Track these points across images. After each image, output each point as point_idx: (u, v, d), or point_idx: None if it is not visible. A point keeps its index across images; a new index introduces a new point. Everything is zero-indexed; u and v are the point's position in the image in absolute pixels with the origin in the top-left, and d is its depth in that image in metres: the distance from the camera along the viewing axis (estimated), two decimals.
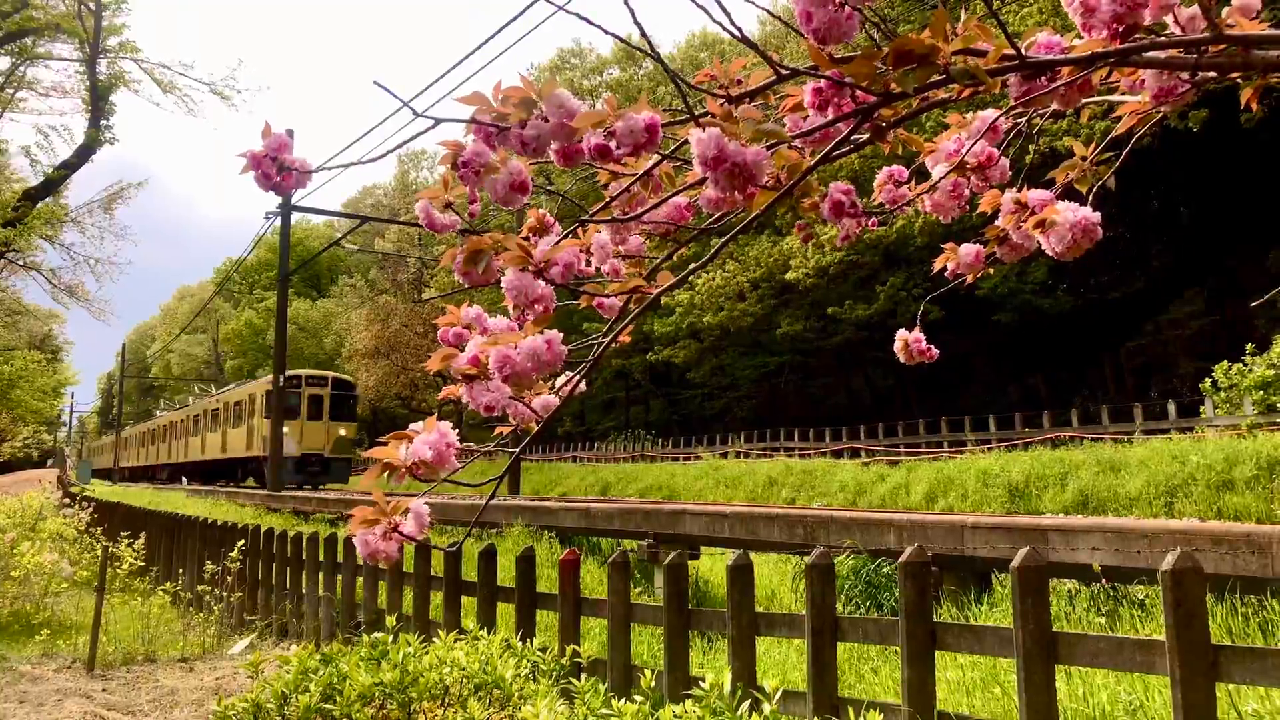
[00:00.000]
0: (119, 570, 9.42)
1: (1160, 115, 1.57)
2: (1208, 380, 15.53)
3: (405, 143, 1.61)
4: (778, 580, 10.12)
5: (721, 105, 1.30)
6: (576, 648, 4.07)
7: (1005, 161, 1.72)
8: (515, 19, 11.83)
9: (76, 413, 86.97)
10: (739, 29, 1.25)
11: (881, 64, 1.22)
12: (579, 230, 1.71)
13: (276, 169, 1.32)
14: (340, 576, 6.88)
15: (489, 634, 3.69)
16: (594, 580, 8.67)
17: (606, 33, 1.35)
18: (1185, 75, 1.38)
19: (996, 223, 1.74)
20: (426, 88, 12.19)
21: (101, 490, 29.51)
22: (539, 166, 1.41)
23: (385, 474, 1.34)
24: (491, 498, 1.64)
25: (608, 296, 1.72)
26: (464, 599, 5.42)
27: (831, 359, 35.14)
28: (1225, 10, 1.37)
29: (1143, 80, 1.44)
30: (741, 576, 3.79)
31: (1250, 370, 14.34)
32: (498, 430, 1.66)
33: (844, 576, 7.08)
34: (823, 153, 1.45)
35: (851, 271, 28.72)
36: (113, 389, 77.75)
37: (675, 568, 4.10)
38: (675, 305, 33.38)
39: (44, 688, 6.35)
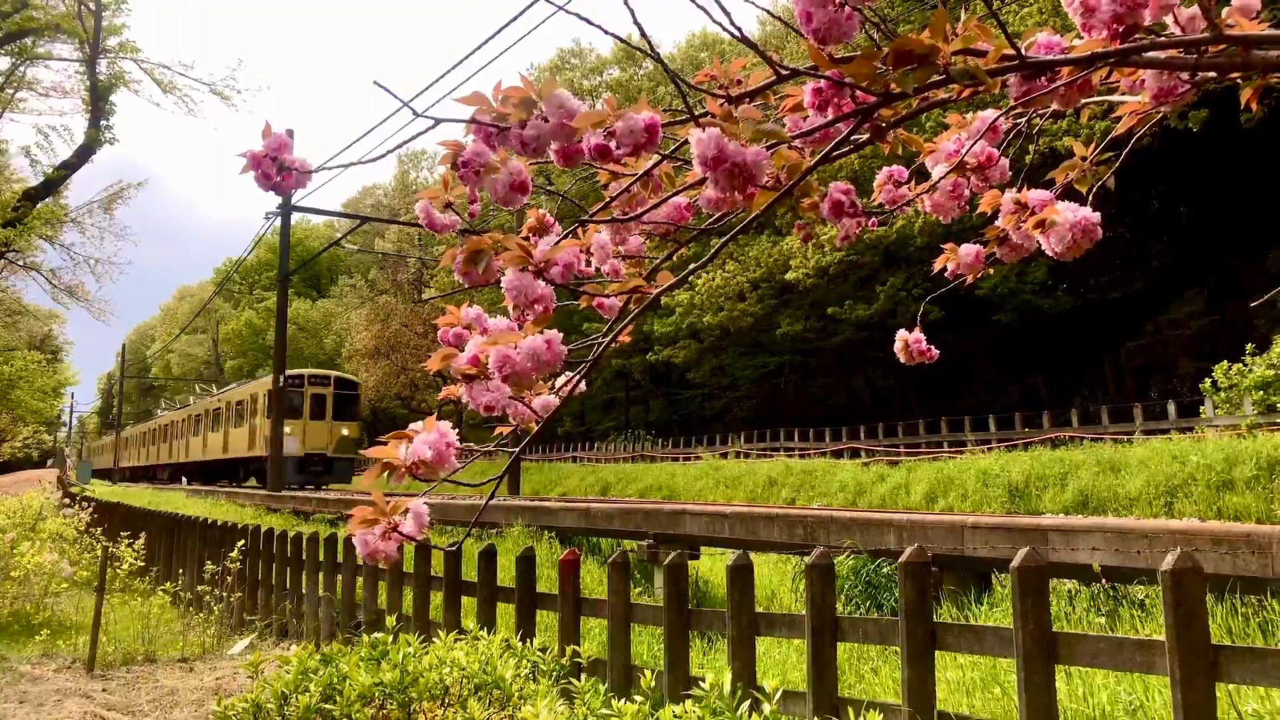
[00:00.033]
0: (119, 570, 9.42)
1: (1160, 115, 1.58)
2: (1208, 380, 15.53)
3: (405, 143, 1.61)
4: (778, 580, 10.12)
5: (721, 105, 1.30)
6: (576, 648, 4.07)
7: (1005, 162, 1.72)
8: (515, 19, 11.84)
9: (76, 413, 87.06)
10: (739, 29, 1.25)
11: (881, 64, 1.22)
12: (579, 230, 1.71)
13: (276, 169, 1.32)
14: (340, 576, 6.88)
15: (489, 634, 3.70)
16: (594, 580, 8.67)
17: (606, 33, 1.35)
18: (1185, 75, 1.38)
19: (996, 223, 1.74)
20: (426, 88, 12.20)
21: (101, 490, 29.51)
22: (539, 166, 1.41)
23: (385, 474, 1.34)
24: (491, 498, 1.64)
25: (608, 297, 1.72)
26: (464, 599, 5.42)
27: (831, 359, 35.13)
28: (1225, 10, 1.37)
29: (1143, 80, 1.44)
30: (741, 576, 3.79)
31: (1250, 370, 14.34)
32: (498, 430, 1.66)
33: (844, 576, 7.08)
34: (822, 153, 1.45)
35: (851, 271, 28.72)
36: (113, 389, 77.78)
37: (675, 568, 4.10)
38: (675, 305, 33.37)
39: (44, 688, 6.35)
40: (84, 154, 25.80)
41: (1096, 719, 3.85)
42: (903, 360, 2.01)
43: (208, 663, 7.20)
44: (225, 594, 8.08)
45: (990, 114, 1.71)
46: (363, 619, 6.40)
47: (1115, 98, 1.60)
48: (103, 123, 25.84)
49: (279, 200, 21.48)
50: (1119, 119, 1.61)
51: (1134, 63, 1.34)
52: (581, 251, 1.69)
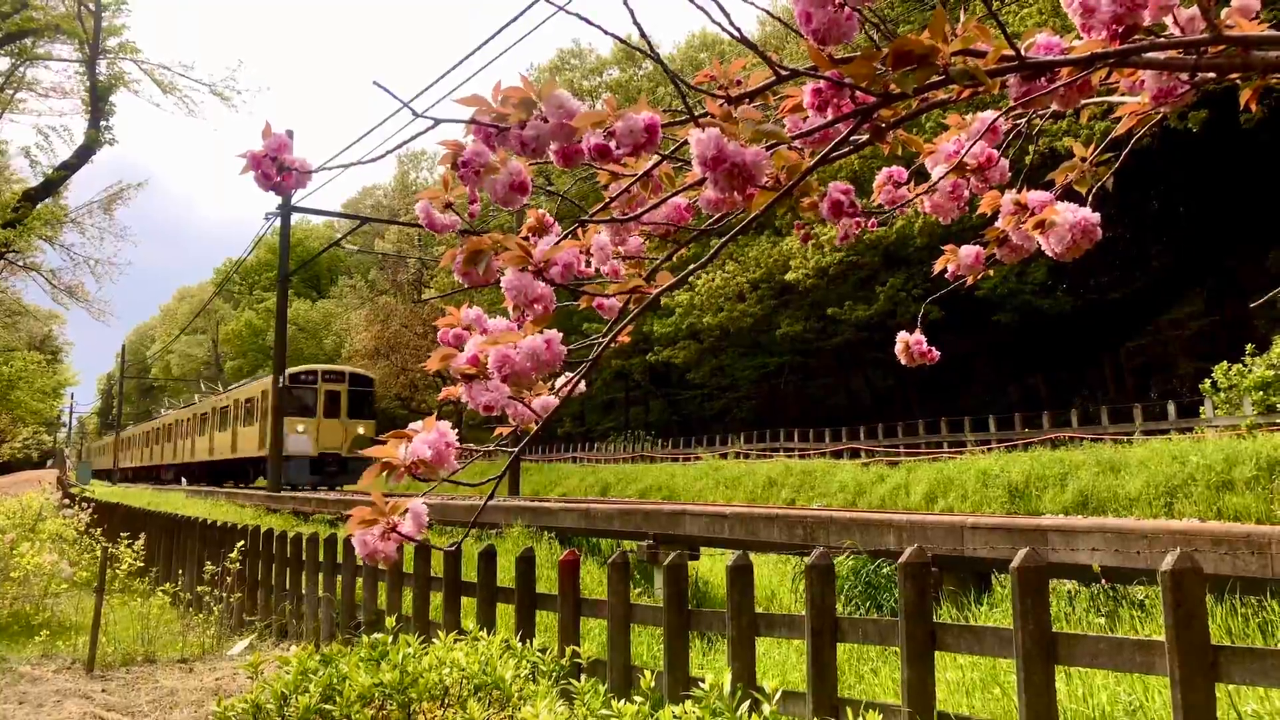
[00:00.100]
0: (118, 571, 9.41)
1: (1160, 116, 1.58)
2: (1207, 381, 15.53)
3: (405, 143, 1.61)
4: (777, 581, 10.12)
5: (721, 106, 1.30)
6: (576, 648, 4.07)
7: (1005, 162, 1.72)
8: (515, 19, 11.84)
9: (76, 413, 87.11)
10: (738, 30, 1.25)
11: (881, 65, 1.22)
12: (579, 231, 1.71)
13: (276, 169, 1.32)
14: (340, 577, 6.88)
15: (489, 635, 3.70)
16: (594, 581, 8.66)
17: (606, 33, 1.35)
18: (1185, 76, 1.38)
19: (996, 224, 1.75)
20: (426, 88, 12.20)
21: (101, 491, 29.48)
22: (539, 167, 1.41)
23: (384, 474, 1.34)
24: (491, 498, 1.64)
25: (607, 297, 1.72)
26: (464, 600, 5.42)
27: (831, 359, 35.14)
28: (1224, 11, 1.37)
29: (1142, 81, 1.44)
30: (741, 577, 3.79)
31: (1250, 371, 14.35)
32: (497, 431, 1.66)
33: (844, 577, 7.08)
34: (822, 153, 1.45)
35: (851, 272, 28.72)
36: (112, 390, 77.77)
37: (675, 568, 4.09)
38: (675, 306, 33.37)
39: (43, 688, 6.35)
40: (84, 154, 25.81)
41: (1096, 719, 3.85)
42: (903, 362, 2.01)
43: (207, 663, 7.20)
44: (225, 594, 8.08)
45: (990, 115, 1.71)
46: (362, 619, 6.40)
47: (1115, 98, 1.60)
48: (102, 123, 25.86)
49: (279, 201, 21.49)
50: (1119, 120, 1.61)
51: (1133, 63, 1.34)
52: (581, 252, 1.70)
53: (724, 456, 27.30)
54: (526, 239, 1.55)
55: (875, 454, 22.56)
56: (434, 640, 3.56)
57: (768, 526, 8.05)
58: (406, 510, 1.34)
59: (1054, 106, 1.41)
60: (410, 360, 40.53)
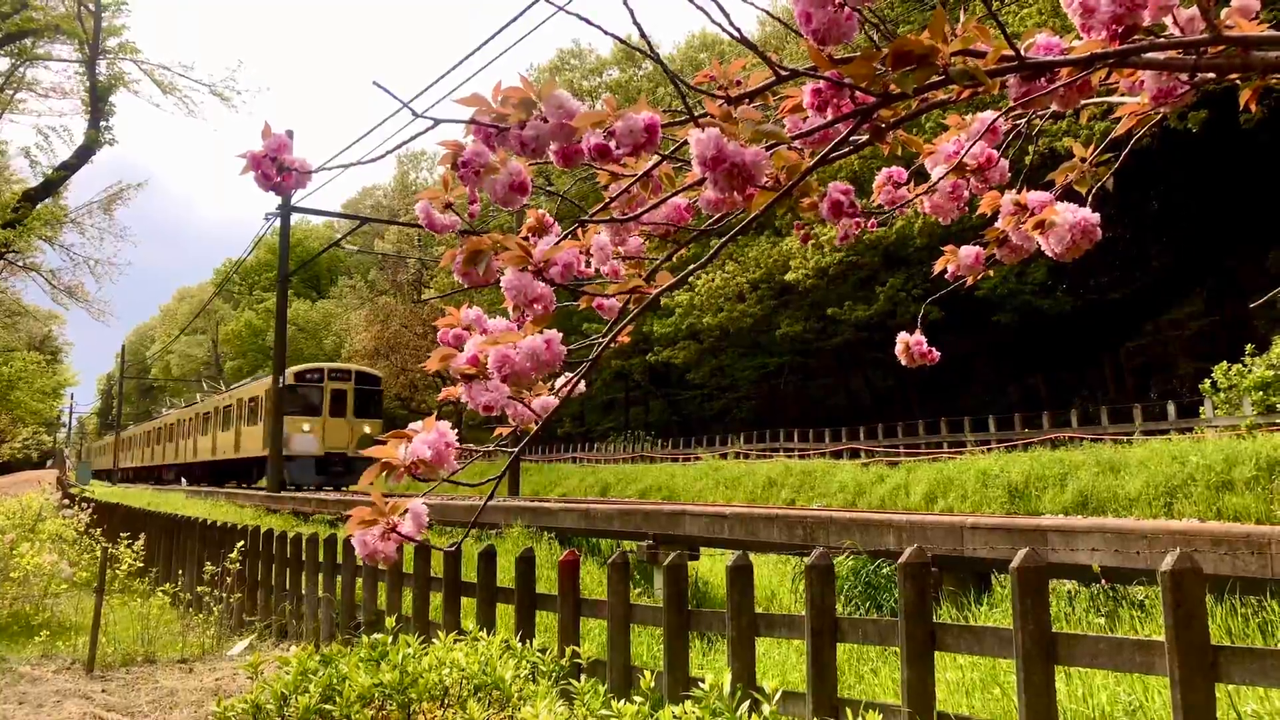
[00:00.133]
0: (118, 571, 9.41)
1: (1160, 116, 1.58)
2: (1207, 381, 15.53)
3: (405, 143, 1.61)
4: (777, 581, 10.12)
5: (721, 106, 1.30)
6: (576, 649, 4.07)
7: (1004, 163, 1.72)
8: (515, 20, 11.84)
9: (76, 414, 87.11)
10: (738, 30, 1.25)
11: (881, 65, 1.22)
12: (578, 231, 1.71)
13: (276, 169, 1.32)
14: (340, 577, 6.88)
15: (489, 635, 3.70)
16: (594, 581, 8.66)
17: (606, 33, 1.35)
18: (1184, 76, 1.38)
19: (996, 224, 1.75)
20: (426, 88, 12.19)
21: (101, 491, 29.45)
22: (538, 167, 1.41)
23: (384, 474, 1.34)
24: (490, 498, 1.64)
25: (607, 297, 1.72)
26: (463, 600, 5.42)
27: (831, 360, 35.14)
28: (1224, 11, 1.37)
29: (1142, 81, 1.44)
30: (741, 577, 3.79)
31: (1249, 371, 14.35)
32: (497, 431, 1.67)
33: (843, 577, 7.08)
34: (822, 153, 1.45)
35: (851, 272, 28.72)
36: (112, 390, 77.77)
37: (675, 568, 4.10)
38: (675, 306, 33.37)
39: (43, 689, 6.35)
40: (83, 155, 25.81)
41: (1096, 719, 3.85)
42: (904, 362, 2.01)
43: (207, 664, 7.20)
44: (225, 595, 8.08)
45: (989, 115, 1.71)
46: (362, 620, 6.40)
47: (1115, 99, 1.60)
48: (102, 123, 25.85)
49: (279, 201, 21.50)
50: (1118, 120, 1.61)
51: (1133, 64, 1.34)
52: (581, 252, 1.70)
53: (724, 457, 27.30)
54: (526, 239, 1.55)
55: (875, 454, 22.57)
56: (434, 640, 3.56)
57: (768, 527, 8.05)
58: (406, 510, 1.34)
59: (1054, 107, 1.41)
60: (410, 360, 40.48)
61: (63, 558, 10.67)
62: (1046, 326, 27.62)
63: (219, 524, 9.76)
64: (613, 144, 1.26)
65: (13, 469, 69.84)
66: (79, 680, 6.66)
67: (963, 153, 1.68)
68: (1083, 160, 1.84)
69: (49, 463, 76.48)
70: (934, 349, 1.98)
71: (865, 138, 1.44)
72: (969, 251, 1.84)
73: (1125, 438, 15.96)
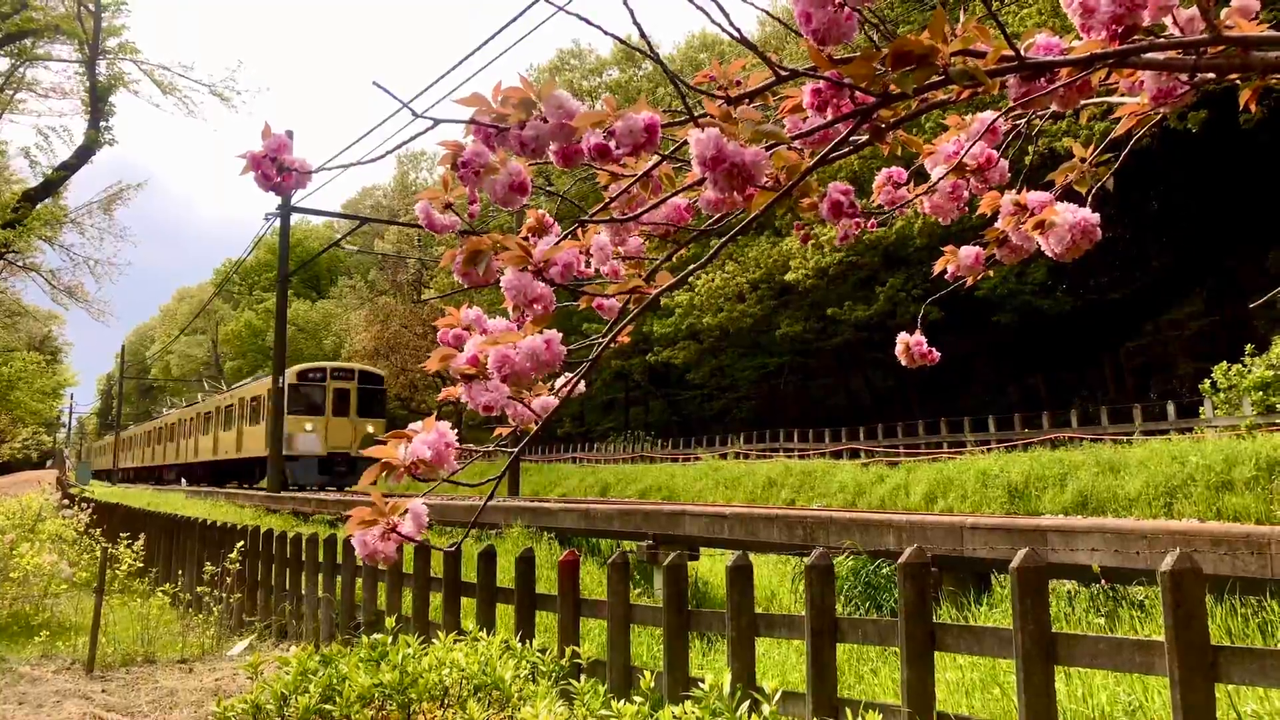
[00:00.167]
0: (118, 571, 9.41)
1: (1159, 116, 1.58)
2: (1207, 381, 15.53)
3: (405, 143, 1.61)
4: (777, 581, 10.12)
5: (720, 106, 1.30)
6: (576, 649, 4.07)
7: (1004, 163, 1.72)
8: (515, 20, 11.84)
9: (76, 414, 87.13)
10: (738, 30, 1.25)
11: (880, 65, 1.22)
12: (578, 231, 1.71)
13: (276, 169, 1.32)
14: (340, 577, 6.88)
15: (488, 635, 3.70)
16: (593, 581, 8.66)
17: (606, 33, 1.35)
18: (1184, 76, 1.38)
19: (996, 224, 1.75)
20: (426, 89, 12.19)
21: (101, 491, 29.44)
22: (538, 167, 1.41)
23: (384, 474, 1.34)
24: (490, 498, 1.64)
25: (607, 297, 1.72)
26: (463, 600, 5.42)
27: (831, 360, 35.15)
28: (1224, 11, 1.37)
29: (1142, 82, 1.44)
30: (741, 577, 3.79)
31: (1249, 371, 14.35)
32: (497, 431, 1.67)
33: (843, 577, 7.08)
34: (822, 154, 1.45)
35: (851, 272, 28.72)
36: (112, 390, 77.78)
37: (674, 569, 4.09)
38: (675, 306, 33.37)
39: (43, 689, 6.35)
40: (83, 155, 25.81)
41: (1096, 719, 3.85)
42: (904, 363, 2.01)
43: (207, 664, 7.20)
44: (225, 595, 8.08)
45: (989, 115, 1.71)
46: (362, 620, 6.40)
47: (1114, 99, 1.60)
48: (102, 124, 25.85)
49: (278, 201, 21.50)
50: (1118, 120, 1.61)
51: (1133, 64, 1.34)
52: (581, 252, 1.70)
53: (724, 457, 27.30)
54: (526, 239, 1.55)
55: (875, 454, 22.57)
56: (434, 641, 3.56)
57: (767, 527, 8.05)
58: (406, 511, 1.34)
59: (1053, 107, 1.41)
60: (410, 360, 40.47)
61: (62, 558, 10.67)
62: (1046, 326, 27.63)
63: (219, 524, 9.76)
64: (613, 144, 1.26)
65: (12, 469, 69.85)
66: (79, 680, 6.66)
67: (962, 153, 1.68)
68: (1083, 160, 1.84)
69: (49, 463, 76.49)
70: (934, 349, 1.98)
71: (865, 138, 1.44)
72: (969, 252, 1.84)
73: (1125, 438, 15.97)
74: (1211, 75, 1.35)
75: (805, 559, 3.67)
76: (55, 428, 79.90)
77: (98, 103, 25.73)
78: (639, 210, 1.63)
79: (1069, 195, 1.80)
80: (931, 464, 16.42)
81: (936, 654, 3.24)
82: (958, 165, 1.68)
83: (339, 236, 43.85)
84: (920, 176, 1.83)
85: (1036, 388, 29.39)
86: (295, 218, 35.52)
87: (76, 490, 27.42)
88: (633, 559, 8.02)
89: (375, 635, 3.60)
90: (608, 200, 1.63)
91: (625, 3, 1.27)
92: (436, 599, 5.63)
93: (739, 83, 1.50)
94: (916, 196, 1.78)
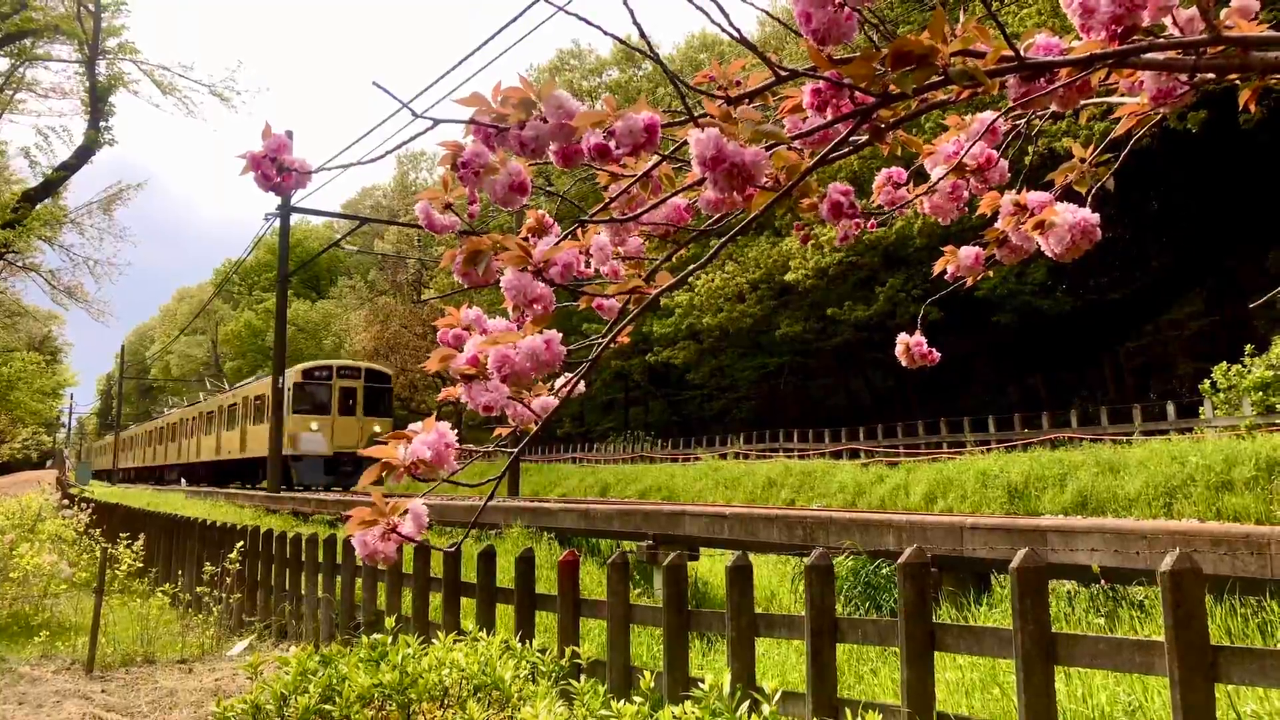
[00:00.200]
0: (118, 571, 9.41)
1: (1159, 116, 1.58)
2: (1207, 381, 15.53)
3: (404, 144, 1.61)
4: (777, 581, 10.12)
5: (720, 106, 1.30)
6: (576, 649, 4.07)
7: (1004, 163, 1.72)
8: (515, 20, 11.84)
9: (75, 414, 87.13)
10: (737, 30, 1.25)
11: (880, 65, 1.22)
12: (578, 231, 1.71)
13: (276, 170, 1.32)
14: (339, 578, 6.88)
15: (488, 635, 3.69)
16: (593, 581, 8.66)
17: (606, 34, 1.35)
18: (1184, 77, 1.38)
19: (996, 224, 1.75)
20: (426, 89, 12.18)
21: (100, 491, 29.43)
22: (538, 168, 1.41)
23: (384, 474, 1.34)
24: (490, 498, 1.64)
25: (607, 298, 1.72)
26: (463, 600, 5.42)
27: (831, 360, 35.14)
28: (1224, 12, 1.37)
29: (1141, 82, 1.44)
30: (741, 577, 3.79)
31: (1249, 371, 14.35)
32: (497, 431, 1.67)
33: (843, 577, 7.08)
34: (821, 154, 1.45)
35: (850, 272, 28.72)
36: (112, 390, 77.79)
37: (674, 569, 4.09)
38: (674, 306, 33.37)
39: (43, 689, 6.34)
40: (83, 155, 25.81)
41: (1096, 719, 3.85)
42: (904, 363, 2.01)
43: (207, 664, 7.19)
44: (224, 595, 8.08)
45: (989, 115, 1.71)
46: (362, 620, 6.40)
47: (1114, 99, 1.60)
48: (102, 124, 25.84)
49: (278, 201, 21.50)
50: (1118, 120, 1.61)
51: (1133, 64, 1.34)
52: (581, 252, 1.70)
53: (723, 457, 27.29)
54: (526, 239, 1.55)
55: (875, 454, 22.57)
56: (433, 641, 3.56)
57: (767, 527, 8.05)
58: (406, 511, 1.34)
59: (1053, 107, 1.41)
60: (410, 361, 40.43)
61: (62, 558, 10.66)
62: (1046, 327, 27.63)
63: (218, 524, 9.76)
64: (612, 144, 1.26)
65: (12, 469, 69.87)
66: (78, 680, 6.66)
67: (962, 153, 1.68)
68: (1082, 160, 1.84)
69: (48, 463, 76.48)
70: (934, 350, 1.98)
71: (865, 138, 1.44)
72: (969, 252, 1.84)
73: (1125, 438, 15.97)
74: (1211, 75, 1.36)
75: (805, 559, 3.68)
76: (55, 428, 79.92)
77: (97, 103, 25.73)
78: (639, 210, 1.63)
79: (1069, 195, 1.80)
80: (931, 464, 16.42)
81: (936, 654, 3.24)
82: (957, 165, 1.68)
83: (339, 237, 43.82)
84: (920, 176, 1.83)
85: (1036, 388, 29.40)
86: (295, 218, 35.47)
87: (76, 490, 27.41)
88: (632, 559, 8.02)
89: (375, 635, 3.60)
90: (608, 200, 1.63)
91: (625, 3, 1.27)
92: (436, 599, 5.63)
93: (739, 83, 1.50)
94: (916, 197, 1.78)
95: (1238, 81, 1.44)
